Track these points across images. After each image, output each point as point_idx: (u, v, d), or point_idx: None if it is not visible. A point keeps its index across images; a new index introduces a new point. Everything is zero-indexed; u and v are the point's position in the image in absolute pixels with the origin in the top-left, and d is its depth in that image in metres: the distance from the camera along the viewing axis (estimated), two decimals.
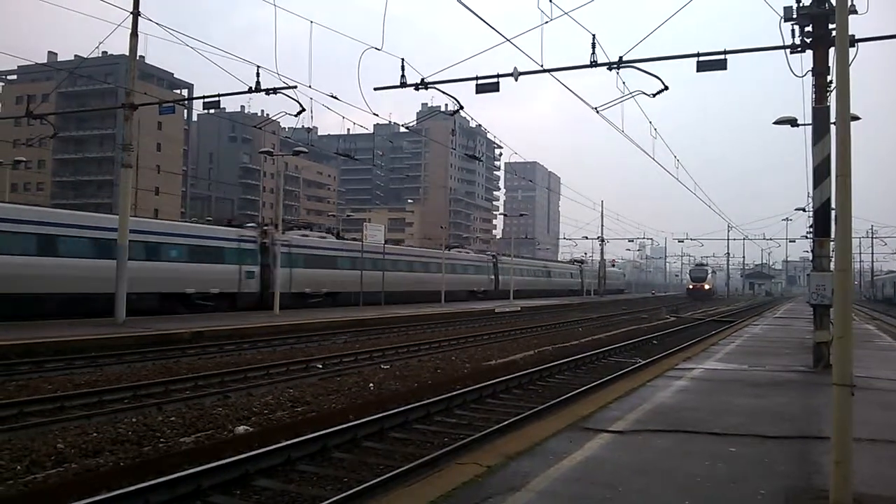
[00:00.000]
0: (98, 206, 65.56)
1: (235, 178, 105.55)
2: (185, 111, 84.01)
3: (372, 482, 6.66)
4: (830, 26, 12.85)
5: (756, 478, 5.86)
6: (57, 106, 65.03)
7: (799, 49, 13.53)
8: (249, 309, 30.24)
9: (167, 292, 27.70)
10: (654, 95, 16.08)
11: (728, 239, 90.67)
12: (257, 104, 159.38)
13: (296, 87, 20.08)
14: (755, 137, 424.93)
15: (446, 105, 21.11)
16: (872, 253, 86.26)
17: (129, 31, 22.60)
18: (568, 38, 19.38)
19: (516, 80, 17.27)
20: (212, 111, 29.85)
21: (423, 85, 17.69)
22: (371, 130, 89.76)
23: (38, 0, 25.45)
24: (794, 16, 13.27)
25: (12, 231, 22.56)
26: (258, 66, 20.19)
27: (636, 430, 7.76)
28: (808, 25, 13.28)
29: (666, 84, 15.93)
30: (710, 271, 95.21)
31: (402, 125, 26.84)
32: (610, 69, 16.03)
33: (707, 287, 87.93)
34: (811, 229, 14.85)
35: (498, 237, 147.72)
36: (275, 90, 20.34)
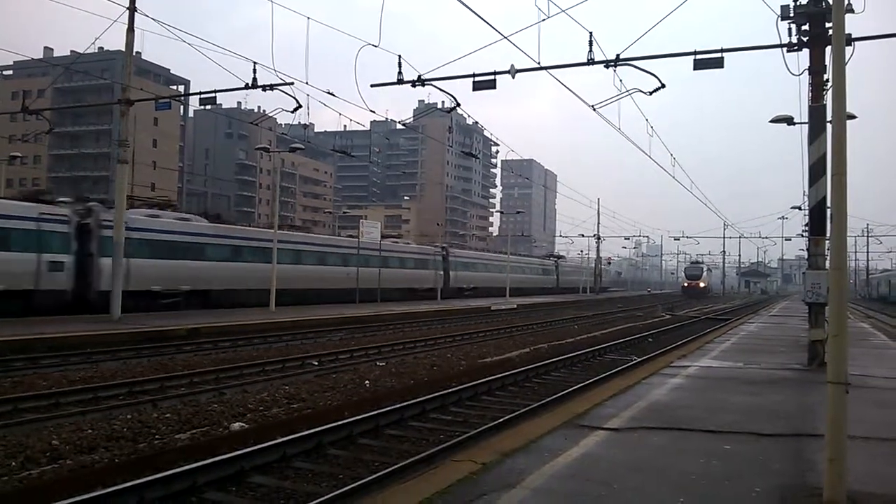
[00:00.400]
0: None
1: (232, 175, 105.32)
2: (182, 107, 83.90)
3: (367, 479, 6.67)
4: (827, 25, 12.86)
5: (751, 475, 5.88)
6: (53, 101, 64.75)
7: (796, 48, 13.56)
8: (59, 312, 22.69)
9: None
10: (651, 93, 16.09)
11: (724, 237, 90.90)
12: (254, 101, 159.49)
13: (292, 83, 20.07)
14: (752, 136, 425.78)
15: (443, 102, 21.12)
16: (868, 251, 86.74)
17: (126, 26, 22.55)
18: (565, 35, 19.36)
19: (513, 77, 17.26)
20: (208, 107, 29.81)
21: (420, 82, 17.67)
22: (368, 127, 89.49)
23: None
24: (791, 14, 13.30)
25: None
26: (255, 63, 20.21)
27: (631, 427, 7.77)
28: (805, 24, 13.32)
29: (663, 82, 15.93)
30: (705, 269, 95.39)
31: (399, 122, 27.19)
32: (607, 67, 16.02)
33: (702, 285, 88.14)
34: (807, 228, 14.88)
35: (494, 234, 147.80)
36: (271, 87, 20.31)
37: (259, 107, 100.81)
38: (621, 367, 15.32)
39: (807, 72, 13.41)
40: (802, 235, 43.61)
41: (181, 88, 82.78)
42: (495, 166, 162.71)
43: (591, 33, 15.86)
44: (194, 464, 6.77)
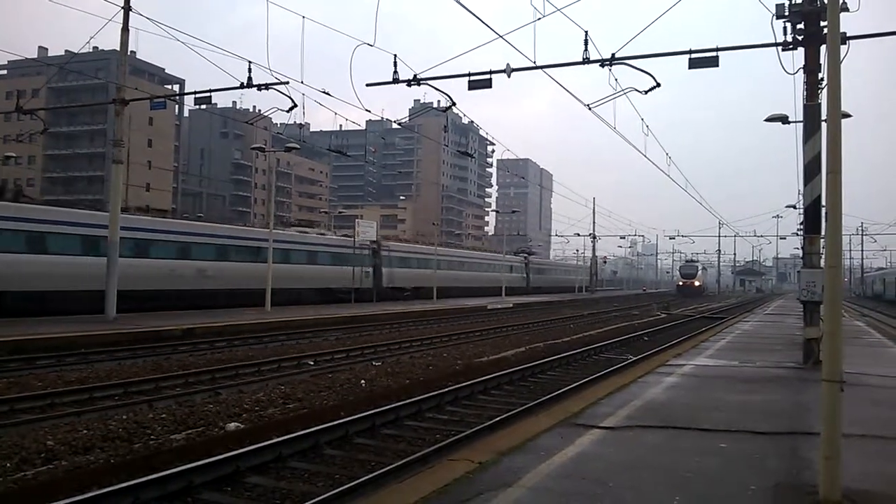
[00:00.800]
0: (90, 202, 65.10)
1: (227, 175, 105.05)
2: (177, 107, 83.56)
3: (363, 479, 6.66)
4: (822, 24, 12.90)
5: (746, 473, 5.88)
6: (47, 101, 64.46)
7: (791, 46, 13.58)
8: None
9: None
10: (647, 92, 16.10)
11: (719, 236, 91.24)
12: (249, 100, 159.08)
13: (288, 82, 20.03)
14: (747, 135, 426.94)
15: (439, 101, 21.04)
16: (862, 250, 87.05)
17: (121, 26, 22.49)
18: (561, 34, 19.40)
19: (509, 76, 17.26)
20: (203, 107, 29.47)
21: (416, 81, 17.66)
22: (363, 127, 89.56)
23: None
24: (786, 13, 13.32)
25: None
26: (250, 62, 20.17)
27: (627, 426, 7.78)
28: (800, 23, 13.33)
29: (658, 81, 15.95)
30: (700, 268, 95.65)
31: (395, 122, 27.03)
32: (602, 66, 16.04)
33: (697, 284, 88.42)
34: (802, 226, 14.90)
35: (490, 234, 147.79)
36: (267, 86, 20.26)
37: (254, 106, 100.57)
38: (617, 366, 15.34)
39: (801, 70, 13.43)
40: (797, 234, 43.64)
41: (176, 88, 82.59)
42: (491, 166, 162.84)
43: (586, 32, 15.89)
44: (190, 464, 6.76)
